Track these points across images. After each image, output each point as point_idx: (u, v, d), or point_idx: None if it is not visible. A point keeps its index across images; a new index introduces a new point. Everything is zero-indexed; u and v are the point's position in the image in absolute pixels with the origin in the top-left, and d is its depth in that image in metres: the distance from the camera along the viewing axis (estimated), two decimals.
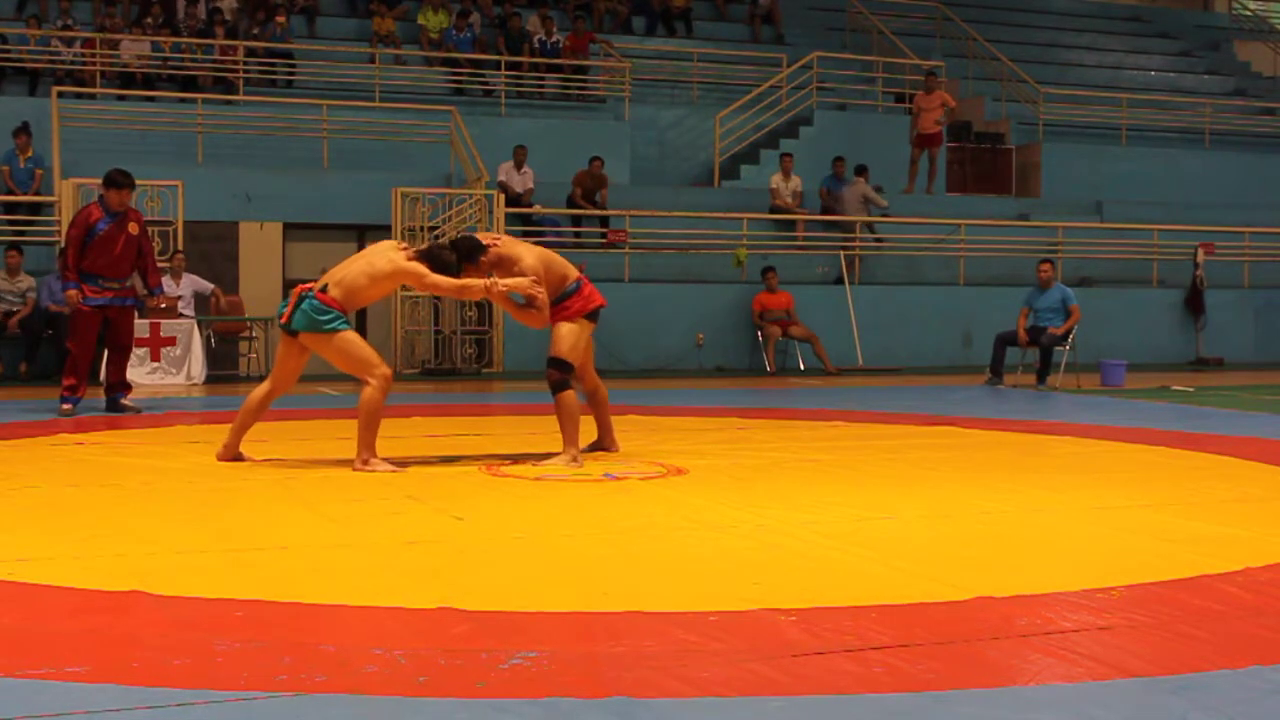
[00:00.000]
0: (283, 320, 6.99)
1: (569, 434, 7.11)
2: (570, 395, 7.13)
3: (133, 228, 9.96)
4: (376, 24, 19.07)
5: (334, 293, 6.91)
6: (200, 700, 3.05)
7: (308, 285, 7.00)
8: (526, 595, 4.13)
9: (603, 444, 7.67)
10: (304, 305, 6.90)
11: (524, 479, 6.64)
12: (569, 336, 7.16)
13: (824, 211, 17.88)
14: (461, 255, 6.98)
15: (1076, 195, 20.07)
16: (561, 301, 7.17)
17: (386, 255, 7.02)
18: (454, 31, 19.20)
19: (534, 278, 6.98)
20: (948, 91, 19.44)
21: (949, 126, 19.72)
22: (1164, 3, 27.90)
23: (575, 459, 7.07)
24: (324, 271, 7.22)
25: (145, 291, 10.34)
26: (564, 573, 4.56)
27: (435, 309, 15.05)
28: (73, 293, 9.77)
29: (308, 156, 16.59)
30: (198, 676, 3.23)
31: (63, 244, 10.93)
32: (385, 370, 6.94)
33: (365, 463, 6.83)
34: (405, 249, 7.11)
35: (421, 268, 6.93)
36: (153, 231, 14.00)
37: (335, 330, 6.91)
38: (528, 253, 7.15)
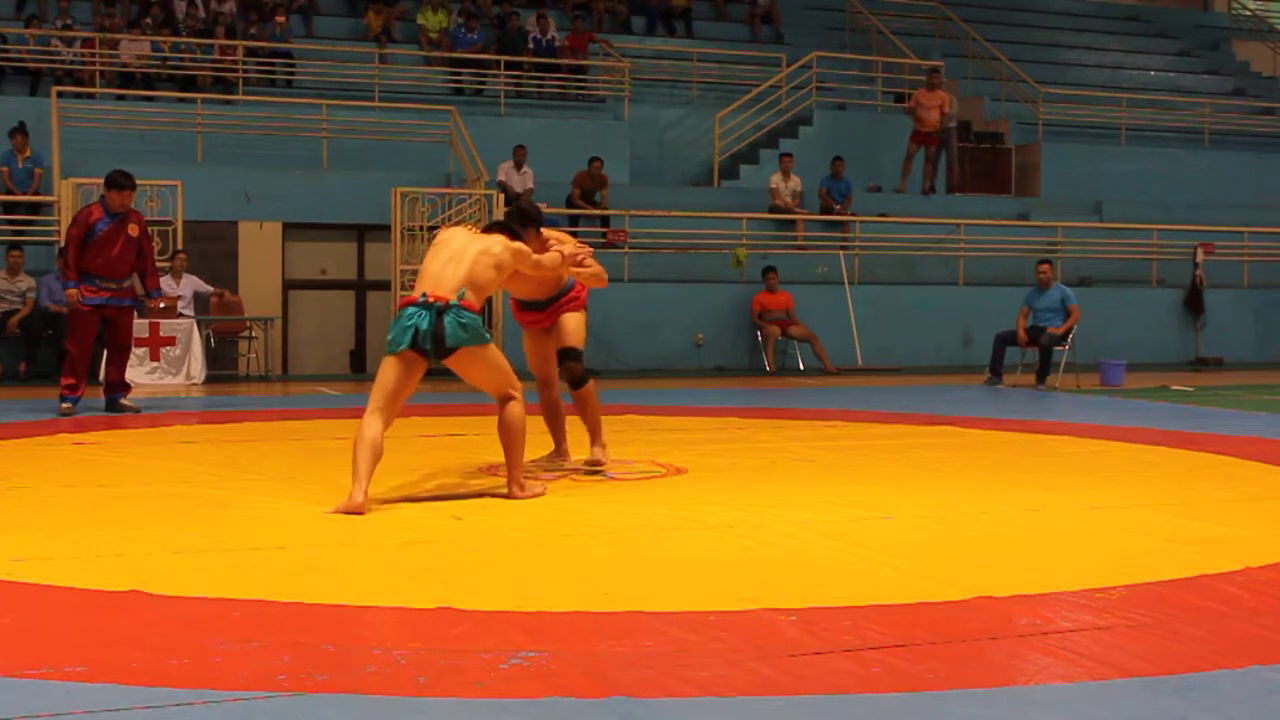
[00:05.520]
0: (435, 338, 5.83)
1: (598, 425, 7.00)
2: (593, 386, 7.01)
3: (132, 229, 9.97)
4: (369, 20, 19.08)
5: (470, 297, 5.96)
6: (199, 700, 3.05)
7: (435, 297, 5.92)
8: (526, 595, 4.12)
9: (562, 451, 7.39)
10: (455, 318, 5.86)
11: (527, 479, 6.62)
12: (580, 327, 7.02)
13: (824, 211, 17.89)
14: (531, 220, 6.66)
15: (1076, 195, 20.06)
16: (568, 292, 7.01)
17: (498, 243, 6.17)
18: (462, 31, 19.20)
19: (576, 247, 6.79)
20: (947, 93, 19.41)
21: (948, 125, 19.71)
22: (1164, 3, 27.88)
23: (605, 450, 7.03)
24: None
25: (144, 293, 10.34)
26: (564, 573, 4.56)
27: None
28: (72, 292, 9.78)
29: (307, 156, 16.58)
30: (197, 676, 3.23)
31: (63, 243, 10.93)
32: (520, 385, 6.22)
33: (523, 487, 6.11)
34: (474, 230, 6.46)
35: (527, 249, 6.31)
36: (153, 231, 14.01)
37: (489, 341, 6.07)
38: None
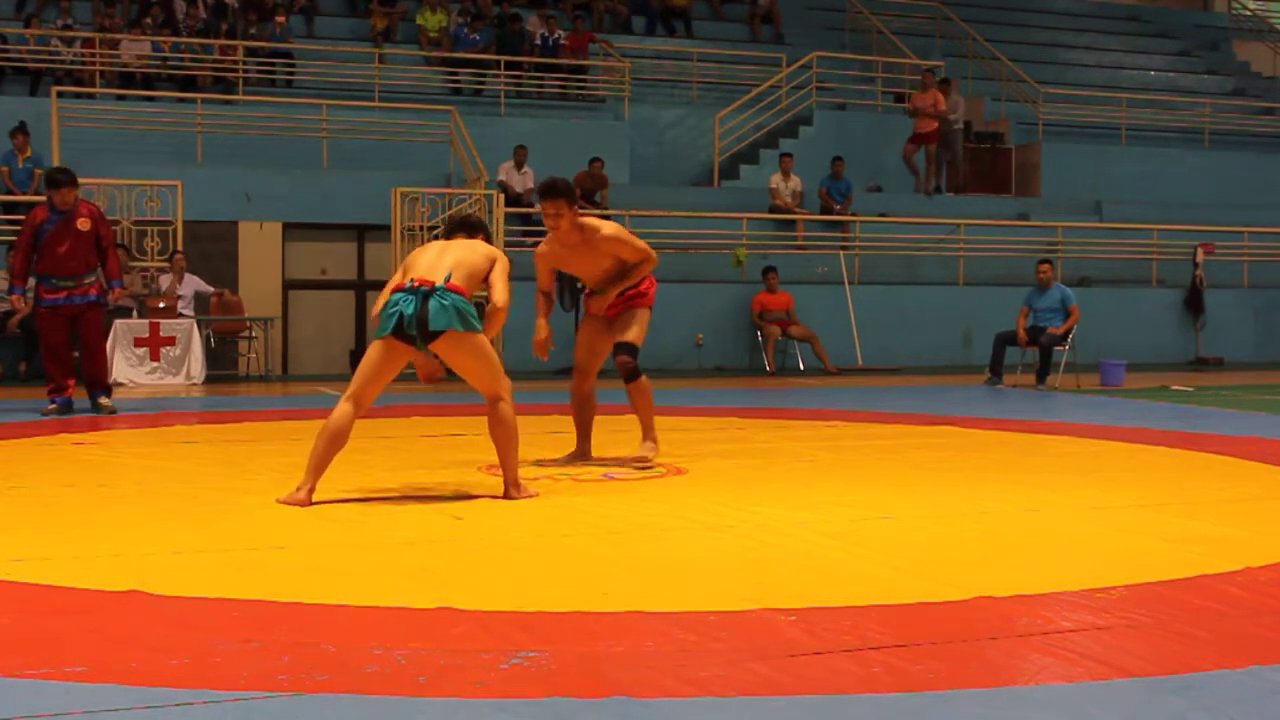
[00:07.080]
0: (419, 322, 5.73)
1: (650, 421, 7.02)
2: (646, 382, 7.02)
3: (82, 223, 9.75)
4: (374, 20, 19.09)
5: (458, 279, 5.82)
6: (199, 700, 3.05)
7: (421, 281, 5.81)
8: (526, 595, 4.12)
9: (584, 451, 7.38)
10: (442, 301, 5.74)
11: (523, 479, 6.62)
12: (642, 325, 7.04)
13: (824, 211, 17.89)
14: (563, 193, 6.80)
15: (1076, 195, 20.07)
16: (640, 285, 7.01)
17: (482, 243, 6.18)
18: (465, 31, 19.19)
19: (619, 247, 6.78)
20: (945, 92, 19.42)
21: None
22: (1164, 3, 27.90)
23: (655, 447, 7.04)
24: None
25: (105, 284, 10.23)
26: (564, 573, 4.55)
27: None
28: (14, 297, 9.79)
29: (307, 156, 16.59)
30: (197, 676, 3.23)
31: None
32: (509, 381, 6.10)
33: (520, 487, 6.05)
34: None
35: (507, 262, 6.13)
36: (153, 231, 14.02)
37: (478, 330, 5.89)
38: (607, 225, 6.96)
